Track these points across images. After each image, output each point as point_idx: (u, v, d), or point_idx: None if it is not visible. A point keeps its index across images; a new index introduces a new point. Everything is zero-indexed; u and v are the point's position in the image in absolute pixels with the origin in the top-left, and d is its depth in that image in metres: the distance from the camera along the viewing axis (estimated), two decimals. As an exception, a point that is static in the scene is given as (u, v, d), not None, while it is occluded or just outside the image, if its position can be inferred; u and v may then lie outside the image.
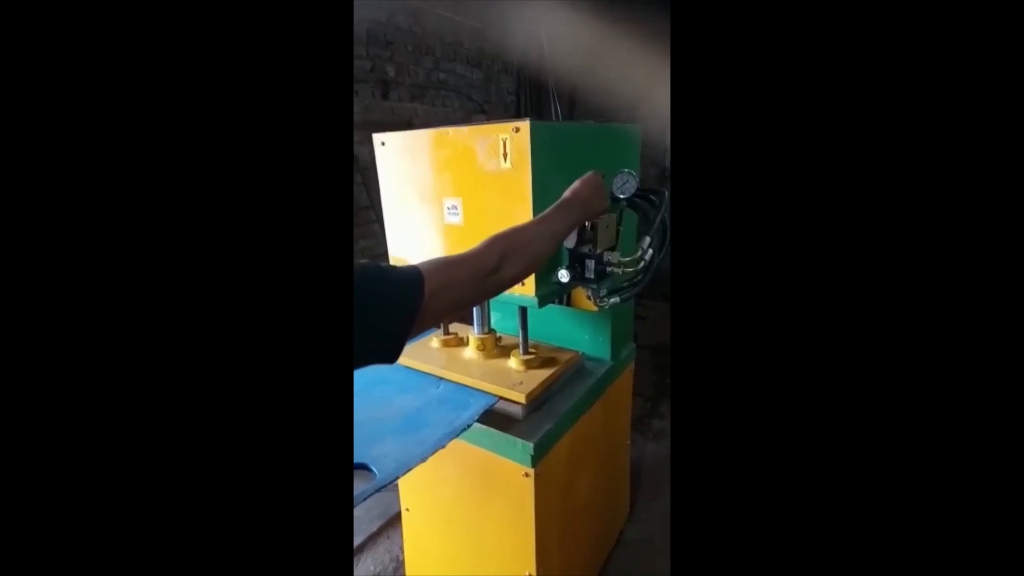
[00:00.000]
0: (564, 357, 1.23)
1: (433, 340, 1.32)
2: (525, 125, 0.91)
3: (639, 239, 1.11)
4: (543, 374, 1.14)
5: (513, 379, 1.13)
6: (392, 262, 1.24)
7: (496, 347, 1.25)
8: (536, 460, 1.06)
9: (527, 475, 1.08)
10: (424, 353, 1.29)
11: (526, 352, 1.18)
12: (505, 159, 0.96)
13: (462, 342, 1.32)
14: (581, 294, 1.23)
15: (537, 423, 1.11)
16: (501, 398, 1.13)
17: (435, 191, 1.09)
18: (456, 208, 1.06)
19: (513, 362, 1.18)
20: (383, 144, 1.15)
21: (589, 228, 1.00)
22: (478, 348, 1.24)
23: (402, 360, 1.24)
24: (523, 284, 1.03)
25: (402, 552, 1.52)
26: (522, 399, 1.05)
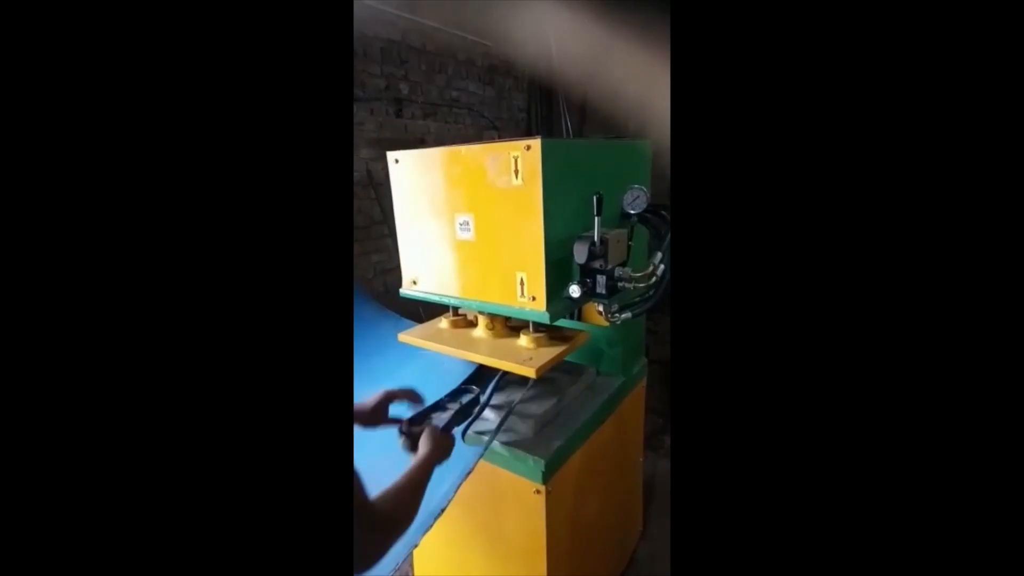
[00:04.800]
0: (574, 335, 1.21)
1: (442, 321, 1.31)
2: (536, 143, 0.92)
3: (650, 254, 1.11)
4: (553, 351, 1.12)
5: (523, 355, 1.10)
6: (404, 278, 1.25)
7: (505, 327, 1.23)
8: (547, 476, 1.06)
9: (538, 492, 1.07)
10: (433, 333, 1.27)
11: (536, 330, 1.16)
12: (516, 176, 0.97)
13: (471, 323, 1.30)
14: (592, 309, 1.22)
15: (548, 439, 1.11)
16: (507, 373, 1.12)
17: (447, 207, 1.10)
18: (468, 224, 1.08)
19: (523, 340, 1.16)
20: (397, 161, 1.17)
21: (600, 243, 1.00)
22: (487, 327, 1.22)
23: (413, 340, 1.24)
24: (534, 299, 1.03)
25: (412, 568, 1.50)
26: (532, 373, 1.04)
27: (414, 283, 1.24)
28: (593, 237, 0.99)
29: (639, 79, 3.21)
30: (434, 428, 0.93)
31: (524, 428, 1.13)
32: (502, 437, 1.11)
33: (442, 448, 0.90)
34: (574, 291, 1.01)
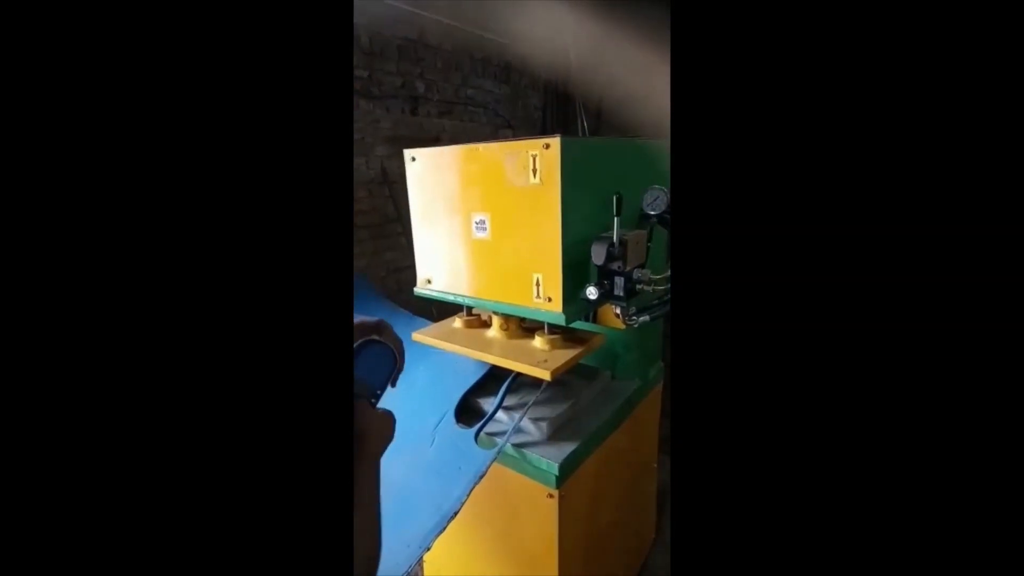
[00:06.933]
0: (589, 338, 1.19)
1: (456, 321, 1.29)
2: (555, 141, 0.91)
3: (670, 256, 1.09)
4: (569, 353, 1.10)
5: (538, 357, 1.08)
6: (419, 276, 1.24)
7: (520, 328, 1.22)
8: (561, 481, 1.04)
9: (551, 496, 1.05)
10: (447, 333, 1.26)
11: (551, 332, 1.15)
12: (534, 175, 0.95)
13: (485, 323, 1.28)
14: (608, 311, 1.20)
15: (562, 443, 1.09)
16: (520, 374, 1.10)
17: (463, 206, 1.09)
18: (484, 223, 1.06)
19: (538, 341, 1.14)
20: (413, 160, 1.16)
21: (618, 245, 0.98)
22: (501, 328, 1.21)
23: (426, 339, 1.23)
24: (550, 300, 1.01)
25: (422, 571, 1.50)
26: (547, 376, 1.02)
27: (428, 282, 1.23)
28: (612, 238, 0.97)
29: (656, 79, 3.18)
30: (362, 408, 0.54)
31: (537, 431, 1.11)
32: (515, 440, 1.09)
33: (381, 432, 0.54)
34: (591, 293, 0.99)
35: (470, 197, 1.08)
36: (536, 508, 1.08)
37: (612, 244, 0.97)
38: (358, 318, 0.53)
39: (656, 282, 1.03)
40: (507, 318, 1.19)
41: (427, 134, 2.97)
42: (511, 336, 1.20)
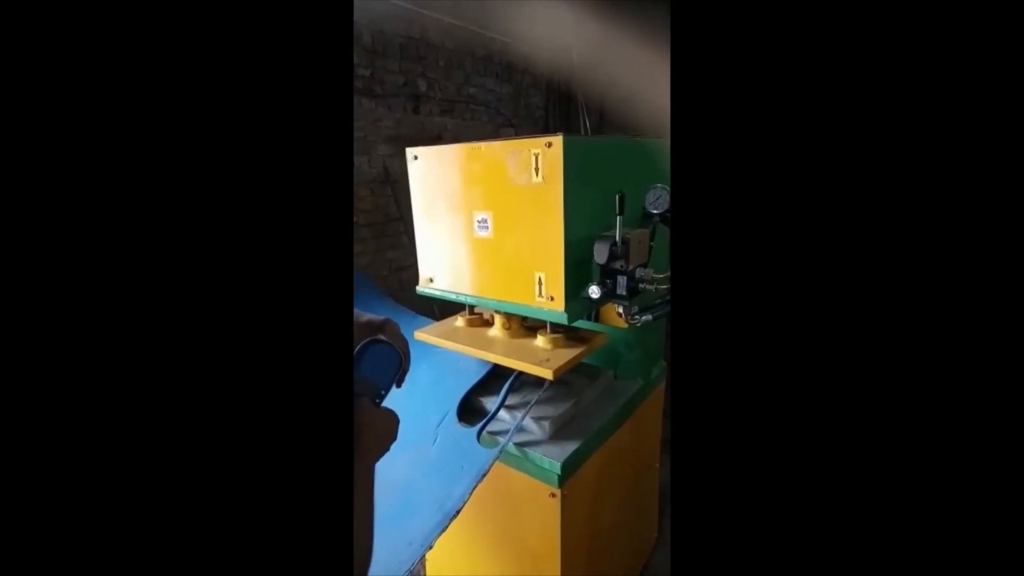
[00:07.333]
0: (592, 337, 1.18)
1: (458, 319, 1.29)
2: (558, 140, 0.90)
3: (671, 256, 1.09)
4: (571, 352, 1.10)
5: (540, 356, 1.09)
6: (421, 275, 1.24)
7: (522, 327, 1.21)
8: (563, 480, 1.04)
9: (553, 495, 1.05)
10: (449, 332, 1.26)
11: (553, 331, 1.14)
12: (537, 174, 0.95)
13: (487, 322, 1.28)
14: (611, 310, 1.20)
15: (564, 443, 1.09)
16: (522, 373, 1.10)
17: (465, 204, 1.09)
18: (486, 222, 1.06)
19: (540, 340, 1.14)
20: (415, 158, 1.16)
21: (621, 244, 0.98)
22: (504, 327, 1.21)
23: (428, 338, 1.23)
24: (552, 299, 1.01)
25: (424, 570, 1.50)
26: (549, 375, 1.02)
27: (430, 281, 1.23)
28: (614, 237, 0.97)
29: (658, 78, 3.18)
30: (363, 407, 0.51)
31: (539, 430, 1.11)
32: (517, 439, 1.09)
33: (383, 432, 0.51)
34: (594, 292, 0.99)
35: (472, 196, 1.07)
36: (538, 507, 1.08)
37: (615, 243, 0.97)
38: (365, 316, 0.53)
39: (658, 281, 1.03)
40: (509, 317, 1.19)
41: (429, 133, 2.96)
42: (513, 335, 1.20)
